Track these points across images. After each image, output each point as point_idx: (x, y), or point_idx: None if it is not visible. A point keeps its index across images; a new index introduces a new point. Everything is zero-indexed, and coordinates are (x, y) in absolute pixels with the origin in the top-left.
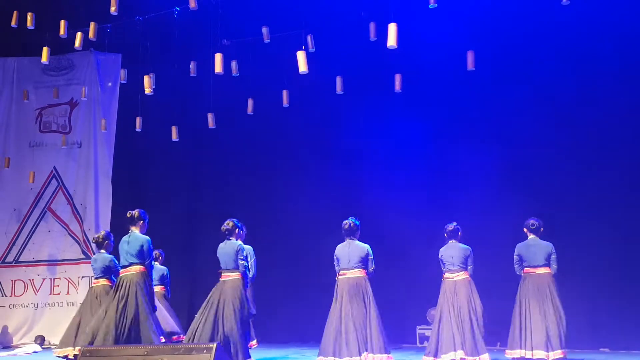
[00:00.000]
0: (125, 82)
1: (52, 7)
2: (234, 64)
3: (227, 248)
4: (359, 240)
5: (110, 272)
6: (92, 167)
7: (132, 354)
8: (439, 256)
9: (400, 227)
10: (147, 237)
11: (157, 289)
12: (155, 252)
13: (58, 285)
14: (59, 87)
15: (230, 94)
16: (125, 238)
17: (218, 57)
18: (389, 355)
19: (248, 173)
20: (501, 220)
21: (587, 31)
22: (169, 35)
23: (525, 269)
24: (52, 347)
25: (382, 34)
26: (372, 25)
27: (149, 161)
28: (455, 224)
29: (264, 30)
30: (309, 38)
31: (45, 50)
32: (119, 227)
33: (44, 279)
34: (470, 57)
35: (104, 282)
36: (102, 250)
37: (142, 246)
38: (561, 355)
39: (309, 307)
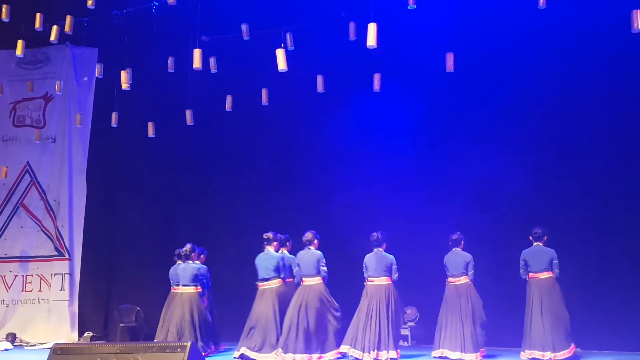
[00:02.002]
0: (101, 76)
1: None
2: (212, 61)
3: (309, 256)
4: (384, 250)
5: (198, 279)
6: (66, 162)
7: (104, 352)
8: (444, 262)
9: (380, 226)
10: (280, 255)
11: (192, 289)
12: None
13: (30, 282)
14: (34, 81)
15: (209, 90)
16: (262, 255)
17: (197, 53)
18: (398, 350)
19: (226, 171)
20: (481, 220)
21: (564, 33)
22: (146, 30)
23: (530, 274)
24: (23, 344)
25: (362, 33)
26: (352, 25)
27: (125, 157)
28: (458, 233)
29: (244, 27)
30: (288, 36)
31: (20, 43)
32: (93, 224)
33: (15, 276)
34: (449, 58)
35: (193, 289)
36: (189, 261)
37: (278, 263)
38: (569, 355)
39: None
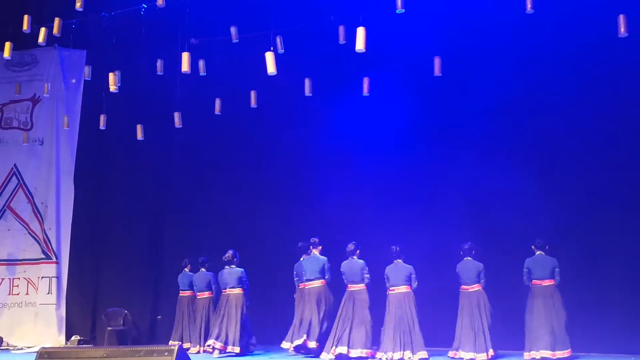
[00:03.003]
0: (89, 79)
1: (15, 1)
2: (201, 63)
3: (354, 265)
4: (404, 261)
5: (242, 282)
6: (53, 165)
7: (91, 356)
8: (456, 271)
9: (367, 229)
10: (325, 258)
11: (206, 294)
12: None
13: (17, 286)
14: (22, 83)
15: (198, 93)
16: (309, 258)
17: (185, 56)
18: (425, 350)
19: (214, 174)
20: (467, 222)
21: (551, 38)
22: (135, 32)
23: (533, 281)
24: (10, 348)
25: (351, 37)
26: (341, 29)
27: (113, 160)
28: (470, 243)
29: (233, 30)
30: (278, 39)
31: (7, 45)
32: (80, 227)
33: (2, 279)
34: (437, 62)
35: (239, 291)
36: (233, 266)
37: (323, 265)
38: (567, 355)
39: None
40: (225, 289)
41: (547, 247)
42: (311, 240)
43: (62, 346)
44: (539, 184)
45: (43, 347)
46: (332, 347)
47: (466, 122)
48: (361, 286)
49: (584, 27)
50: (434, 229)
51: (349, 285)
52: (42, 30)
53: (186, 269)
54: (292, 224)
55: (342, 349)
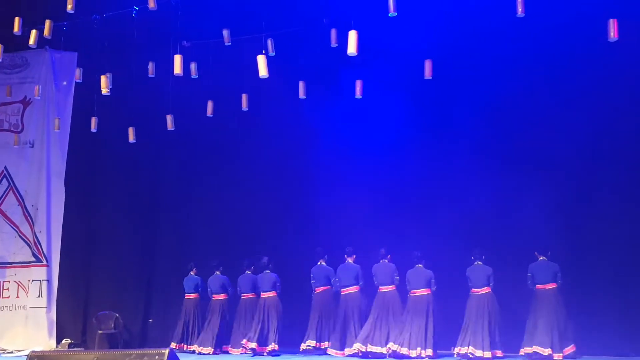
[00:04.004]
0: (80, 81)
1: (6, 3)
2: (193, 66)
3: (386, 268)
4: (424, 266)
5: (277, 286)
6: (44, 167)
7: None
8: (467, 274)
9: (359, 231)
10: (358, 265)
11: (222, 296)
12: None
13: (8, 289)
14: (12, 85)
15: (190, 96)
16: (343, 266)
17: (177, 59)
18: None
19: (207, 176)
20: (459, 226)
21: (542, 42)
22: (127, 35)
23: (537, 285)
24: (0, 352)
25: (343, 40)
26: (333, 32)
27: (104, 163)
28: (480, 248)
29: (225, 32)
30: (269, 42)
31: None
32: (71, 230)
33: None
34: (428, 66)
35: (273, 294)
36: (267, 271)
37: (357, 272)
38: (569, 352)
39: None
40: (246, 292)
41: (549, 252)
42: (346, 250)
43: (52, 350)
44: (532, 185)
45: (33, 351)
46: (365, 344)
47: (460, 124)
48: (391, 287)
49: (575, 30)
50: (421, 229)
51: (380, 287)
52: (33, 32)
53: (192, 272)
54: (284, 225)
55: (375, 348)
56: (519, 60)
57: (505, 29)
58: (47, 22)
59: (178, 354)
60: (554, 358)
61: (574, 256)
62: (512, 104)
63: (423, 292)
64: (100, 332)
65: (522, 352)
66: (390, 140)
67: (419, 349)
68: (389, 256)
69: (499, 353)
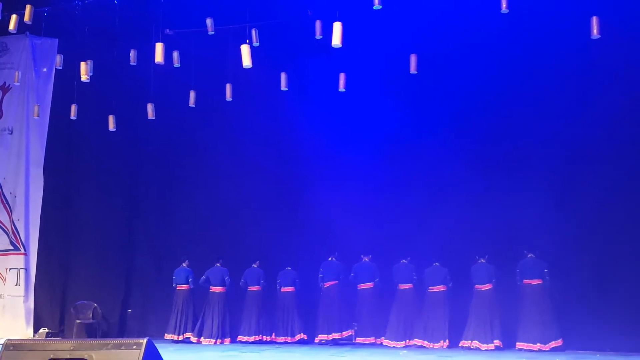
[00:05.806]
0: (61, 68)
1: None
2: (175, 55)
3: (405, 267)
4: (440, 264)
5: (295, 282)
6: (23, 155)
7: (57, 349)
8: (471, 272)
9: (342, 224)
10: (374, 264)
11: (219, 289)
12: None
13: None
14: None
15: (172, 85)
16: (360, 264)
17: (159, 47)
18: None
19: (187, 166)
20: (459, 226)
21: (526, 38)
22: (108, 21)
23: (524, 280)
24: None
25: (328, 32)
26: (318, 24)
27: (84, 151)
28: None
29: (209, 21)
30: (253, 32)
31: None
32: (50, 219)
33: None
34: (413, 60)
35: (292, 289)
36: (288, 268)
37: (374, 270)
38: (556, 345)
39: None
40: (252, 285)
41: (537, 251)
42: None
43: (28, 338)
44: (524, 184)
45: (8, 339)
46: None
47: (444, 119)
48: (409, 285)
49: (558, 27)
50: (410, 227)
51: (400, 285)
52: (13, 17)
53: (184, 264)
54: (267, 216)
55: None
56: (505, 55)
57: (490, 25)
58: (28, 7)
59: (174, 344)
60: (541, 350)
61: (562, 254)
62: (497, 99)
63: (440, 288)
64: (78, 321)
65: (518, 345)
66: (373, 133)
67: (441, 341)
68: (408, 258)
69: (498, 342)
